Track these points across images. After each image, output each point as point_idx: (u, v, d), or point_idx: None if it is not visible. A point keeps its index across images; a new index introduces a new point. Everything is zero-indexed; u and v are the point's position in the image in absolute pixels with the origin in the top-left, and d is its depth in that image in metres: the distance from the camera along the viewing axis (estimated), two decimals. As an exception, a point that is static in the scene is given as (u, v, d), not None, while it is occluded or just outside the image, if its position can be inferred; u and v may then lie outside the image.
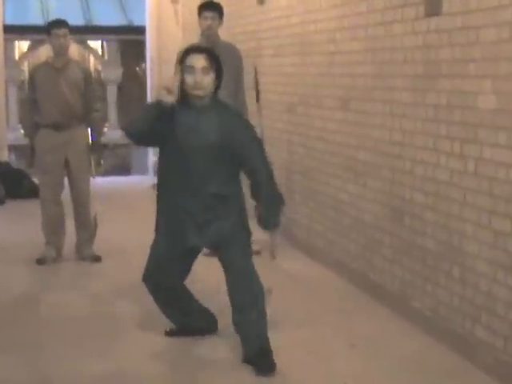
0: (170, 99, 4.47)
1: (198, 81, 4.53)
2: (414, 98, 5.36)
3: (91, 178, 7.13)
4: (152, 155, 12.50)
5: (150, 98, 12.68)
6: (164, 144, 4.71)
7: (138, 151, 18.25)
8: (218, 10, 7.25)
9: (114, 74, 21.33)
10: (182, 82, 4.55)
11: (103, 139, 7.46)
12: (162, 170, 4.81)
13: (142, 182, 11.77)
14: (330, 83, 6.75)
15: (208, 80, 4.57)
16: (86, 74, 7.05)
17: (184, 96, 4.59)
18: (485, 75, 4.57)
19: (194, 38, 10.91)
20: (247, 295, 4.68)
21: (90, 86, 7.03)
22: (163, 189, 4.81)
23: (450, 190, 4.94)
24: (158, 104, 4.52)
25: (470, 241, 4.76)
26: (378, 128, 5.87)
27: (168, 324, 5.21)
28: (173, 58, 11.63)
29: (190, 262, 4.97)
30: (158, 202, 4.91)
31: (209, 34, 7.16)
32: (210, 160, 4.60)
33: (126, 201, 10.20)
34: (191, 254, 4.92)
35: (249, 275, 4.71)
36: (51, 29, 6.94)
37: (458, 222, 4.88)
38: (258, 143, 4.80)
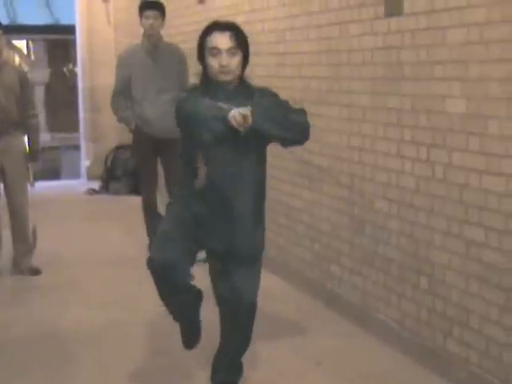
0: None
1: (224, 64, 3.85)
2: (373, 101, 5.15)
3: (29, 188, 6.76)
4: (84, 159, 12.10)
5: (81, 99, 12.25)
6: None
7: (68, 154, 17.78)
8: (161, 8, 6.98)
9: (41, 74, 20.77)
10: (205, 66, 3.92)
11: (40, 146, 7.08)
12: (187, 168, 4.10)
13: (75, 186, 11.35)
14: (279, 85, 6.48)
15: (235, 62, 3.88)
16: (22, 77, 6.63)
17: (208, 82, 3.95)
18: (453, 78, 4.38)
19: (127, 39, 10.65)
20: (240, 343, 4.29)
21: (27, 90, 6.62)
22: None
23: (416, 198, 4.75)
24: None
25: (438, 251, 4.57)
26: (335, 132, 5.65)
27: (119, 343, 4.91)
28: (104, 58, 11.43)
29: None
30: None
31: (151, 33, 6.88)
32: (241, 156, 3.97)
33: (61, 207, 9.79)
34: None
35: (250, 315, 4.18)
36: (-18, 30, 6.53)
37: (424, 230, 4.69)
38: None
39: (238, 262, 4.12)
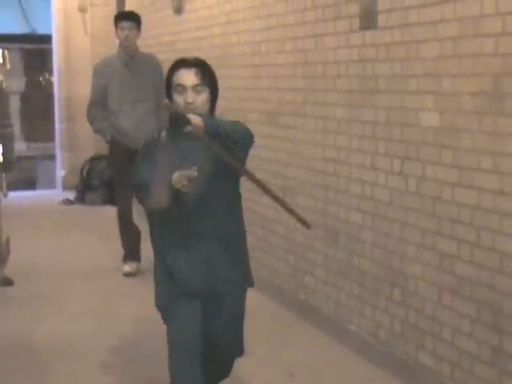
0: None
1: (190, 101, 3.70)
2: (348, 113, 5.18)
3: (2, 198, 6.71)
4: (60, 169, 12.05)
5: (57, 109, 12.21)
6: None
7: (44, 164, 17.69)
8: (136, 19, 6.99)
9: (17, 83, 20.64)
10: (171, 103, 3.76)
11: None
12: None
13: (51, 197, 11.29)
14: (255, 97, 6.52)
15: (202, 98, 3.73)
16: (-4, 87, 6.63)
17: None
18: (427, 91, 4.42)
19: (103, 48, 10.64)
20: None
21: (1, 99, 6.60)
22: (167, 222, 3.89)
23: (390, 210, 4.77)
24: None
25: (412, 263, 4.59)
26: (310, 144, 5.67)
27: (92, 354, 4.88)
28: (81, 68, 11.41)
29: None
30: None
31: (126, 44, 6.89)
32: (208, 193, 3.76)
33: (35, 217, 9.73)
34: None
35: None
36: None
37: (398, 242, 4.71)
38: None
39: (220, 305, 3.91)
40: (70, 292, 6.55)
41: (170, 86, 3.76)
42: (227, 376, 4.14)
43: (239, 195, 4.03)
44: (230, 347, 4.03)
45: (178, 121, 3.45)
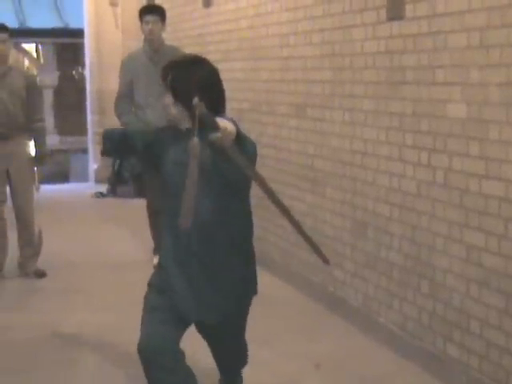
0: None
1: (172, 114, 3.55)
2: (376, 105, 5.16)
3: (35, 192, 6.78)
4: (92, 162, 12.14)
5: (89, 102, 12.30)
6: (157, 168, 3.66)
7: (76, 158, 17.83)
8: (160, 13, 7.00)
9: (50, 77, 20.82)
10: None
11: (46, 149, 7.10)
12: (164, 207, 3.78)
13: (83, 190, 11.39)
14: (283, 89, 6.52)
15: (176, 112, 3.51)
16: (29, 81, 6.67)
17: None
18: (454, 82, 4.39)
19: (135, 42, 10.67)
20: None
21: (33, 94, 6.64)
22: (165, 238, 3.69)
23: (418, 202, 4.75)
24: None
25: (440, 255, 4.57)
26: (337, 136, 5.66)
27: (121, 347, 4.92)
28: (113, 61, 11.44)
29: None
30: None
31: (151, 38, 6.90)
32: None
33: (68, 210, 9.83)
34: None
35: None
36: (-12, 34, 6.57)
37: (426, 234, 4.69)
38: None
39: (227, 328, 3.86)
40: (100, 284, 6.60)
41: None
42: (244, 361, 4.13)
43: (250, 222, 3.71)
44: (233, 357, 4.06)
45: (205, 125, 3.01)
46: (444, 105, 4.47)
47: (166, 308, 3.54)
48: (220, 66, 7.83)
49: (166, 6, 7.91)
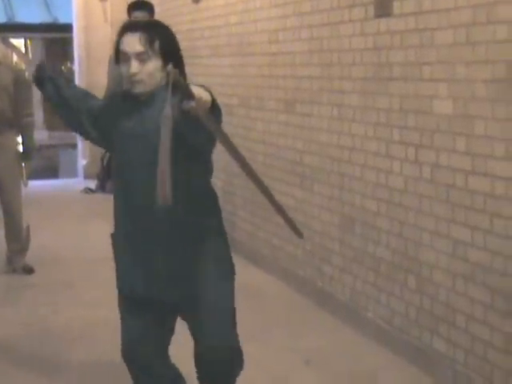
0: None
1: (133, 71, 3.20)
2: (363, 101, 5.18)
3: (23, 187, 6.78)
4: (81, 158, 12.13)
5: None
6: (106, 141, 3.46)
7: (65, 153, 17.79)
8: (149, 9, 7.00)
9: (39, 72, 20.75)
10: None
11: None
12: (114, 189, 3.52)
13: (72, 185, 11.38)
14: (272, 85, 6.54)
15: (148, 69, 3.21)
16: (17, 76, 6.64)
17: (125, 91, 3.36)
18: (440, 79, 4.42)
19: (124, 37, 10.66)
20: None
21: (22, 89, 6.63)
22: (116, 216, 3.47)
23: (405, 198, 4.78)
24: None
25: (426, 249, 4.61)
26: (326, 132, 5.68)
27: (109, 343, 4.93)
28: (101, 56, 11.43)
29: (169, 328, 3.59)
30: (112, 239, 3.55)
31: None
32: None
33: (57, 206, 9.82)
34: (163, 315, 3.51)
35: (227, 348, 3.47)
36: (-24, 29, 6.57)
37: (413, 230, 4.72)
38: None
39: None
40: (89, 279, 6.61)
41: (117, 54, 3.28)
42: None
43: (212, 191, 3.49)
44: (220, 342, 3.42)
45: (179, 92, 2.82)
46: (430, 101, 4.50)
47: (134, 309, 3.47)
48: (209, 62, 7.95)
49: (155, 0, 7.92)
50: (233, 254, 3.60)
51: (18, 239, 6.77)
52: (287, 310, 5.79)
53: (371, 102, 5.09)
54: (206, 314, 3.38)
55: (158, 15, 7.58)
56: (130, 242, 3.37)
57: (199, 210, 3.35)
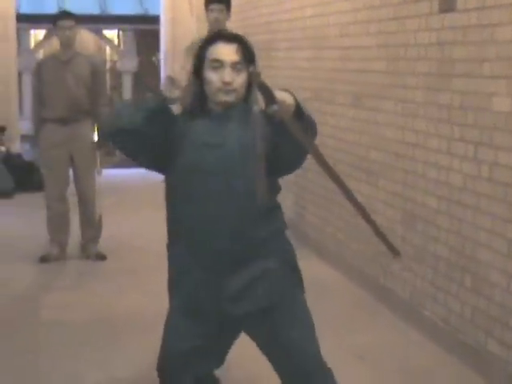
0: (174, 94, 3.10)
1: (228, 80, 3.09)
2: (426, 97, 5.13)
3: (97, 175, 6.95)
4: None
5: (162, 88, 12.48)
6: (166, 165, 3.23)
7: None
8: (225, 1, 7.03)
9: (130, 63, 21.18)
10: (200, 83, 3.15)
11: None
12: (169, 207, 3.46)
13: (152, 175, 11.49)
14: (343, 79, 6.52)
15: (241, 79, 3.12)
16: (94, 67, 6.83)
17: (201, 102, 3.17)
18: (499, 76, 4.34)
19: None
20: None
21: (98, 79, 6.82)
22: (172, 234, 3.51)
23: (464, 196, 4.72)
24: (158, 99, 3.11)
25: (483, 249, 4.53)
26: (391, 127, 5.64)
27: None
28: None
29: (226, 347, 3.41)
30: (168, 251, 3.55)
31: (216, 27, 6.95)
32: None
33: (134, 195, 10.00)
34: (226, 334, 3.36)
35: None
36: (57, 21, 6.77)
37: (471, 228, 4.65)
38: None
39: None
40: (156, 269, 6.68)
41: (200, 62, 3.14)
42: None
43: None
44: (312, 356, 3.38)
45: (262, 96, 2.78)
46: (489, 98, 4.42)
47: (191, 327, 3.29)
48: (287, 55, 7.93)
49: (235, -6, 7.97)
50: (300, 246, 3.49)
51: (92, 226, 6.94)
52: (348, 304, 5.78)
53: (433, 98, 5.03)
54: (291, 340, 3.32)
55: (237, 8, 7.63)
56: (197, 255, 3.30)
57: (270, 225, 3.26)
